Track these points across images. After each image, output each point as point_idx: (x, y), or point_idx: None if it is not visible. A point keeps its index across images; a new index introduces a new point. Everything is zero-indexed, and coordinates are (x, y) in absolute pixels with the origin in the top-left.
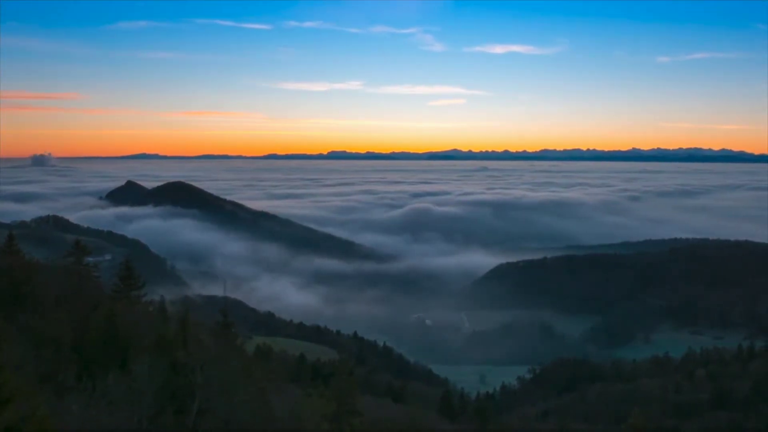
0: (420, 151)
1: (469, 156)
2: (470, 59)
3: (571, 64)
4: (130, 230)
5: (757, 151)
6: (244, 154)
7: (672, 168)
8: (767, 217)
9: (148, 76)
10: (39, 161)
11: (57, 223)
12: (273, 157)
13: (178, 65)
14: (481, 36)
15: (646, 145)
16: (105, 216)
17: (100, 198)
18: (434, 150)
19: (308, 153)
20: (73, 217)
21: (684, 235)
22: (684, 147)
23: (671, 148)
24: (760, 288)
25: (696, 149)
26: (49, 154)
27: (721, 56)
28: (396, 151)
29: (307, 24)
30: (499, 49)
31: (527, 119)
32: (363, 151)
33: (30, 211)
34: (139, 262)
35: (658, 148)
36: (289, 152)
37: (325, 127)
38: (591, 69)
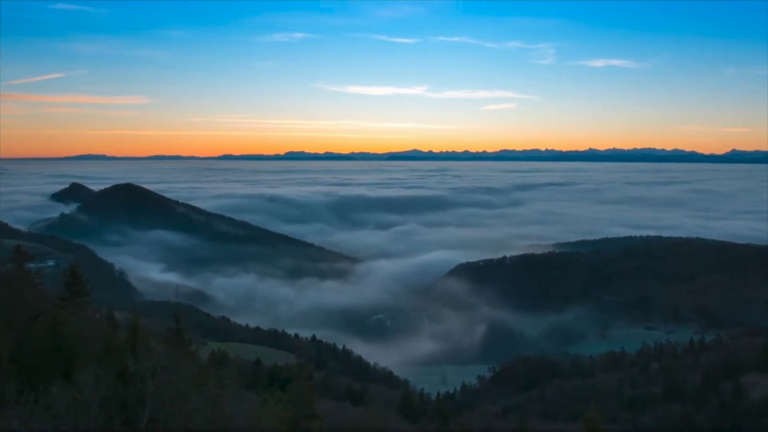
0: (380, 152)
1: (430, 156)
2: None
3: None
4: (75, 234)
5: (706, 151)
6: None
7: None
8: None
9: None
10: None
11: None
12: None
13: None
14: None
15: (602, 146)
16: (48, 219)
17: (46, 200)
18: (395, 150)
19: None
20: (13, 222)
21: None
22: (639, 147)
23: (626, 148)
24: (709, 283)
25: (650, 149)
26: None
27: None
28: (355, 151)
29: (454, 39)
30: (598, 62)
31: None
32: (322, 152)
33: None
34: (85, 268)
35: (614, 148)
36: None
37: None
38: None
